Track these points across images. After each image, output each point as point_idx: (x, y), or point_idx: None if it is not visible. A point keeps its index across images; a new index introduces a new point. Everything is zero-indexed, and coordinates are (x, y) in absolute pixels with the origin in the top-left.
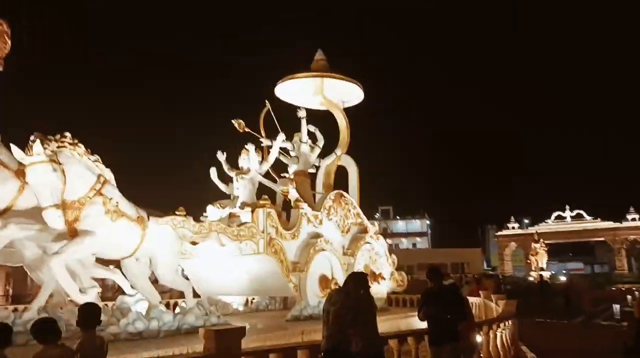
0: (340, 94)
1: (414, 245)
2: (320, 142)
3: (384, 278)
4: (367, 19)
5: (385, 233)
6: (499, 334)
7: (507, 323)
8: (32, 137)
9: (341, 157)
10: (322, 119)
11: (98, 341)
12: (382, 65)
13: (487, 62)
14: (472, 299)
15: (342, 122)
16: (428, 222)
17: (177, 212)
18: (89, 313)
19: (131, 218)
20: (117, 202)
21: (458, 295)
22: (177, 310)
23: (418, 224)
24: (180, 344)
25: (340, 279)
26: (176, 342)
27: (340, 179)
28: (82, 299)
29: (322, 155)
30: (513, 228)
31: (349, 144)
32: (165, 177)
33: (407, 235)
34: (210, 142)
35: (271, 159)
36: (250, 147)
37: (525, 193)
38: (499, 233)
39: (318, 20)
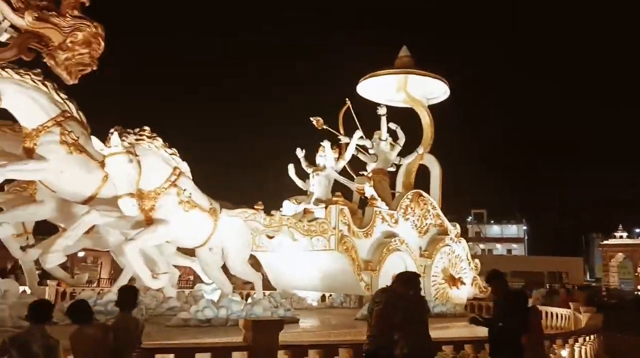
0: (425, 90)
1: (509, 251)
2: (401, 140)
3: (464, 283)
4: (447, 17)
5: (478, 237)
6: (577, 349)
7: (589, 337)
8: (111, 130)
9: (424, 156)
10: (405, 117)
11: (133, 322)
12: (468, 65)
13: (567, 54)
14: (560, 311)
15: (425, 119)
16: (525, 227)
17: (255, 206)
18: (125, 296)
19: (204, 209)
20: (190, 194)
21: (522, 303)
22: (249, 300)
23: (514, 229)
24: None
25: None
26: (240, 332)
27: (422, 179)
28: (153, 284)
29: (404, 154)
30: (621, 237)
31: (434, 143)
32: (247, 173)
33: (501, 240)
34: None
35: (347, 156)
36: (326, 143)
37: (637, 199)
38: (605, 242)
39: (402, 19)
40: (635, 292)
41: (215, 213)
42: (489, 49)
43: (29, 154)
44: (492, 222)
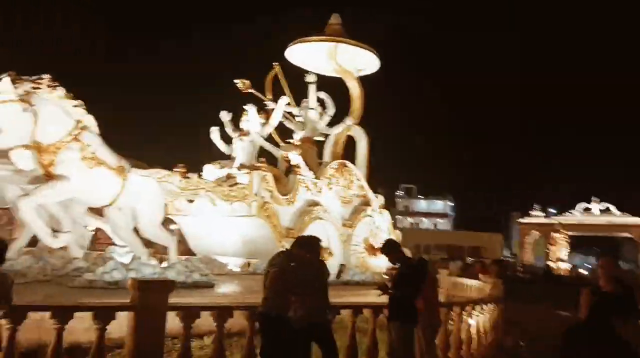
0: (355, 61)
1: (435, 225)
2: (330, 110)
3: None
4: None
5: (407, 211)
6: (475, 316)
7: (487, 305)
8: (2, 76)
9: (351, 128)
10: (337, 87)
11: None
12: (402, 36)
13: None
14: (471, 282)
15: (355, 90)
16: (451, 203)
17: (175, 169)
18: None
19: (110, 167)
20: (95, 150)
21: (421, 272)
22: (164, 264)
23: (441, 205)
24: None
25: (337, 250)
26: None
27: (351, 150)
28: (52, 243)
29: (333, 124)
30: (537, 216)
31: (365, 115)
32: (171, 136)
33: (428, 215)
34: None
35: (273, 122)
36: (250, 107)
37: (555, 181)
38: (521, 220)
39: None
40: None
41: (123, 172)
42: (420, 19)
43: None
44: (421, 197)
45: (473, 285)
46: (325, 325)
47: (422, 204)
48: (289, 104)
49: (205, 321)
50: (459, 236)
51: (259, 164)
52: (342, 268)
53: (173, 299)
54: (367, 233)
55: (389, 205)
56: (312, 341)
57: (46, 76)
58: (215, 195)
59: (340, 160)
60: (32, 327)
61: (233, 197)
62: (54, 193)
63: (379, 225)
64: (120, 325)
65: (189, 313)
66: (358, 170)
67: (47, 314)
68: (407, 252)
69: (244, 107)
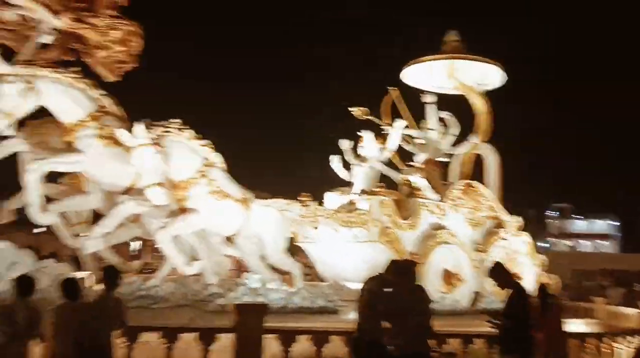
0: (476, 76)
1: (596, 248)
2: (453, 129)
3: (520, 278)
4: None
5: (561, 233)
6: (617, 349)
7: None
8: (137, 123)
9: (478, 146)
10: (462, 105)
11: (112, 301)
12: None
13: None
14: (628, 311)
15: (479, 106)
16: (615, 223)
17: (299, 198)
18: (107, 276)
19: (235, 199)
20: (221, 184)
21: (524, 297)
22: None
23: (602, 225)
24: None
25: (468, 276)
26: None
27: (481, 170)
28: (186, 270)
29: (458, 143)
30: None
31: (494, 132)
32: (292, 165)
33: (588, 236)
34: (336, 130)
35: (391, 146)
36: (365, 134)
37: None
38: None
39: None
40: None
41: (247, 203)
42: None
43: (69, 147)
44: (578, 216)
45: (632, 314)
46: (426, 355)
47: (579, 225)
48: (406, 126)
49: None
50: (627, 259)
51: (377, 189)
52: (476, 295)
53: (292, 323)
54: (503, 258)
55: (539, 227)
56: None
57: (176, 121)
58: (334, 221)
59: (466, 181)
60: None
61: (352, 223)
62: (186, 225)
63: (517, 248)
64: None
65: (285, 337)
66: (487, 190)
67: (156, 335)
68: (552, 278)
69: (359, 133)
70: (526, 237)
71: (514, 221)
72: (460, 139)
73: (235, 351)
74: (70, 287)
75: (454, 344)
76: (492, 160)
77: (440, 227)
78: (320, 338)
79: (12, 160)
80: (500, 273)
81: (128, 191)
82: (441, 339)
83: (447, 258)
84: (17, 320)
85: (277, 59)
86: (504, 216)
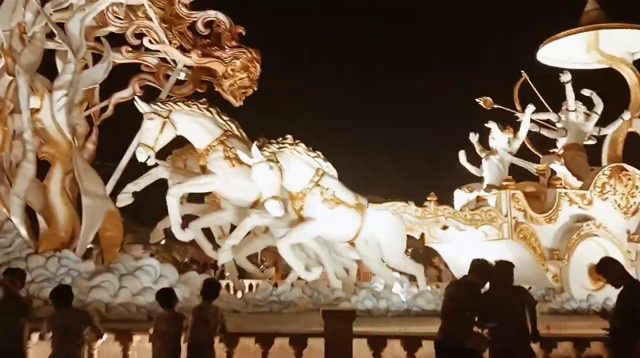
0: (625, 45)
1: None
2: (598, 107)
3: None
4: None
5: None
6: None
7: None
8: (254, 143)
9: (632, 123)
10: (604, 80)
11: (212, 309)
12: None
13: None
14: None
15: (631, 78)
16: None
17: (428, 198)
18: (206, 287)
19: (349, 205)
20: (334, 191)
21: (633, 297)
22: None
23: None
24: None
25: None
26: (398, 323)
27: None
28: (306, 276)
29: (605, 122)
30: None
31: None
32: (415, 164)
33: None
34: (463, 124)
35: (521, 134)
36: (491, 124)
37: None
38: None
39: None
40: None
41: (361, 208)
42: None
43: (203, 170)
44: None
45: None
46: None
47: None
48: (536, 111)
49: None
50: None
51: (505, 183)
52: None
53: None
54: None
55: None
56: None
57: (289, 136)
58: (457, 220)
59: (615, 164)
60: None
61: (478, 221)
62: (303, 233)
63: None
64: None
65: (376, 341)
66: None
67: (252, 339)
68: None
69: (486, 124)
70: None
71: None
72: (610, 118)
73: (327, 355)
74: (166, 295)
75: (566, 348)
76: None
77: (585, 219)
78: (412, 343)
79: (161, 186)
80: (611, 269)
81: (255, 205)
82: (551, 342)
83: (593, 253)
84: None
85: (399, 49)
86: None
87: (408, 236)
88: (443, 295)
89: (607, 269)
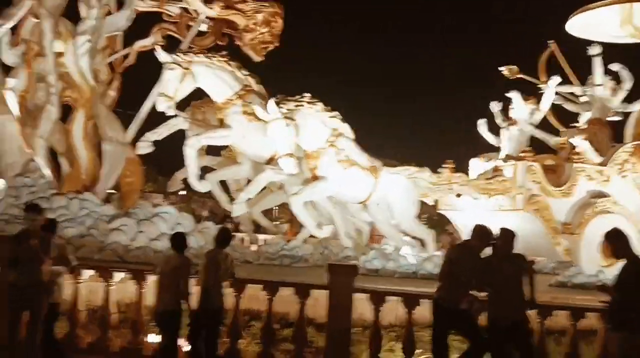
0: None
1: None
2: (627, 83)
3: None
4: None
5: None
6: None
7: None
8: (270, 99)
9: None
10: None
11: (222, 255)
12: None
13: None
14: None
15: None
16: None
17: (444, 165)
18: (219, 235)
19: (363, 167)
20: (349, 153)
21: (634, 271)
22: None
23: None
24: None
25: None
26: (404, 283)
27: None
28: (317, 233)
29: (633, 99)
30: None
31: None
32: (436, 132)
33: None
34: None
35: (543, 106)
36: (513, 94)
37: None
38: None
39: None
40: None
41: (375, 171)
42: None
43: (221, 123)
44: None
45: None
46: (520, 325)
47: None
48: (561, 83)
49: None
50: None
51: (523, 154)
52: None
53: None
54: None
55: None
56: (509, 341)
57: (307, 94)
58: (471, 189)
59: (637, 142)
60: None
61: (492, 190)
62: (315, 192)
63: None
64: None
65: (375, 297)
66: None
67: (260, 286)
68: None
69: (507, 94)
70: None
71: None
72: (633, 94)
73: (329, 306)
74: (179, 240)
75: (562, 317)
76: None
77: (601, 195)
78: (410, 300)
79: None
80: (619, 240)
81: (271, 161)
82: (547, 310)
83: (607, 229)
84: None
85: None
86: None
87: (423, 202)
88: (444, 257)
89: (614, 238)
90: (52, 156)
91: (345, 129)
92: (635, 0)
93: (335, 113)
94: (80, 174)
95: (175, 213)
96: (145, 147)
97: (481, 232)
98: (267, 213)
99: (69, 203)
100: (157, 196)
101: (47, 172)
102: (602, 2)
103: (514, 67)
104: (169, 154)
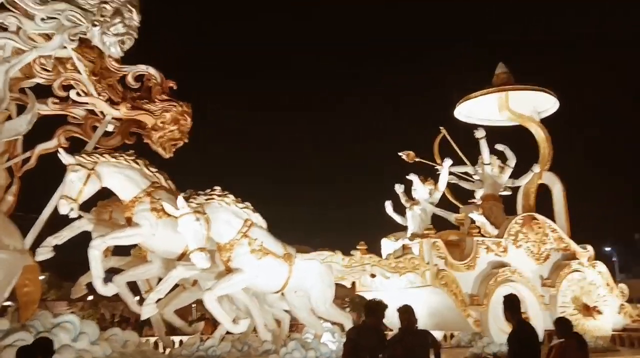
0: (532, 105)
1: None
2: (511, 161)
3: (601, 313)
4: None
5: None
6: None
7: None
8: (179, 195)
9: (542, 175)
10: (517, 137)
11: None
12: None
13: None
14: None
15: (539, 134)
16: None
17: (357, 247)
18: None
19: (277, 255)
20: (262, 242)
21: (515, 338)
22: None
23: None
24: None
25: (535, 313)
26: None
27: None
28: (233, 329)
29: (518, 175)
30: None
31: (555, 160)
32: (344, 214)
33: None
34: (387, 174)
35: (441, 186)
36: (413, 177)
37: None
38: None
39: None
40: None
41: (289, 258)
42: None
43: (129, 222)
44: None
45: None
46: None
47: None
48: (454, 164)
49: None
50: None
51: (427, 231)
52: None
53: None
54: (577, 292)
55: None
56: None
57: (217, 188)
58: (382, 268)
59: (526, 214)
60: None
61: (402, 269)
62: (230, 285)
63: (592, 280)
64: None
65: None
66: (550, 222)
67: None
68: None
69: (407, 176)
70: (601, 267)
71: (587, 252)
72: (520, 171)
73: None
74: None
75: None
76: (557, 189)
77: (501, 265)
78: None
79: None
80: (511, 305)
81: (182, 257)
82: None
83: None
84: None
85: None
86: (575, 247)
87: (342, 285)
88: (345, 340)
89: (506, 304)
90: None
91: (257, 218)
92: (508, 89)
93: (247, 203)
94: None
95: (77, 322)
96: (45, 252)
97: (371, 307)
98: (186, 311)
99: None
100: (61, 304)
101: None
102: (481, 91)
103: (411, 152)
104: (73, 258)
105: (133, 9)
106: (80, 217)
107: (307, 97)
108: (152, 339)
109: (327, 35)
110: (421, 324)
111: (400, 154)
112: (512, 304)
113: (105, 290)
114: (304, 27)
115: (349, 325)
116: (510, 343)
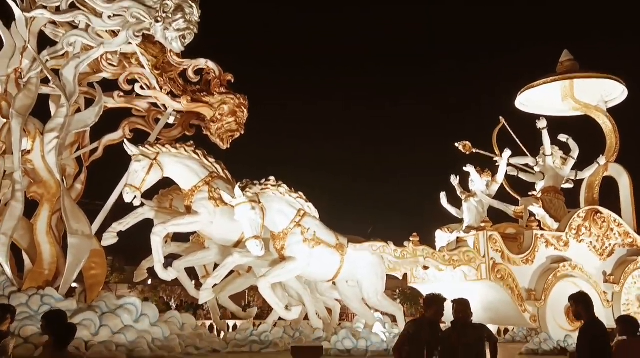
0: (599, 94)
1: None
2: (574, 152)
3: None
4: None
5: None
6: None
7: None
8: (237, 184)
9: (608, 167)
10: (581, 127)
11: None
12: None
13: None
14: None
15: (606, 125)
16: None
17: (410, 238)
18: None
19: (330, 245)
20: (315, 232)
21: (586, 335)
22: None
23: None
24: None
25: (597, 311)
26: None
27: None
28: (285, 315)
29: (583, 166)
30: None
31: (623, 151)
32: (401, 206)
33: None
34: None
35: (499, 178)
36: (469, 168)
37: None
38: None
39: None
40: None
41: (342, 248)
42: None
43: (188, 210)
44: None
45: None
46: None
47: None
48: (513, 155)
49: None
50: None
51: (483, 224)
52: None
53: None
54: None
55: None
56: None
57: (271, 178)
58: (435, 261)
59: (590, 207)
60: None
61: (456, 261)
62: (283, 273)
63: None
64: None
65: None
66: (618, 216)
67: None
68: None
69: (464, 168)
70: None
71: None
72: (587, 163)
73: None
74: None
75: None
76: (624, 182)
77: (561, 260)
78: None
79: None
80: (582, 301)
81: (238, 244)
82: None
83: (569, 294)
84: None
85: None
86: None
87: (393, 276)
88: (402, 332)
89: (577, 301)
90: (16, 252)
91: (310, 208)
92: (573, 77)
93: (300, 193)
94: (43, 270)
95: (139, 304)
96: (110, 238)
97: (430, 300)
98: (240, 297)
99: (29, 300)
100: (123, 287)
101: (7, 269)
102: (544, 79)
103: (467, 143)
104: (135, 243)
105: (194, 5)
106: (142, 204)
107: (363, 90)
108: (208, 322)
109: (384, 30)
110: (475, 318)
111: (456, 144)
112: (585, 299)
113: (166, 274)
114: (365, 20)
115: (400, 316)
116: (582, 338)
